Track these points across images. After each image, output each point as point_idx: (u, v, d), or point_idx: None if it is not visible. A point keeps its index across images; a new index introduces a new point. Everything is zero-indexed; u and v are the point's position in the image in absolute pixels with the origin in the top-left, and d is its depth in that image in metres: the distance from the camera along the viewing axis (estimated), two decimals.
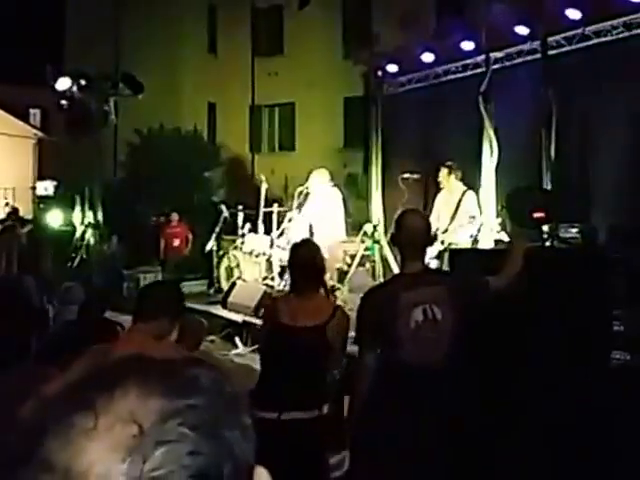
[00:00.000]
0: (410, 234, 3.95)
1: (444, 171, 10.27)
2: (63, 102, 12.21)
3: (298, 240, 5.13)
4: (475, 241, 9.62)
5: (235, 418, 0.76)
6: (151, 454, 0.67)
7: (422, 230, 4.01)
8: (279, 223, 12.27)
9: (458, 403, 3.85)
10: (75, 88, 12.03)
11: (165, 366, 0.78)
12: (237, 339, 10.28)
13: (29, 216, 20.07)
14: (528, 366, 5.04)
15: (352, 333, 4.25)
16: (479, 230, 9.65)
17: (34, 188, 25.29)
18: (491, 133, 10.06)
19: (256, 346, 8.67)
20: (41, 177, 25.97)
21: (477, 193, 10.22)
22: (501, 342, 5.11)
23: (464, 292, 3.90)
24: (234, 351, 10.00)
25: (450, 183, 10.24)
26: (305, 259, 4.35)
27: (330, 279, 10.71)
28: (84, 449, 0.67)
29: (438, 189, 10.59)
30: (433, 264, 9.33)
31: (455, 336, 3.80)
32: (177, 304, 3.67)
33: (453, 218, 10.06)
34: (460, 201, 10.07)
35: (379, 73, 13.17)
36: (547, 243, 7.69)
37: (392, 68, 13.06)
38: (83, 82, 12.06)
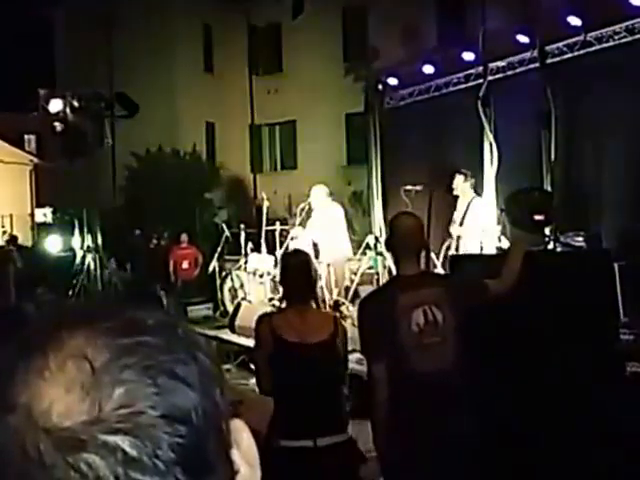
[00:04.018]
0: (403, 236, 3.90)
1: (459, 178, 10.21)
2: (57, 125, 12.06)
3: (288, 252, 5.03)
4: (481, 249, 9.53)
5: (189, 355, 0.73)
6: (110, 393, 0.66)
7: (415, 232, 3.95)
8: (282, 242, 12.09)
9: (468, 409, 3.77)
10: (68, 110, 11.89)
11: (109, 309, 0.78)
12: (253, 366, 10.01)
13: (28, 243, 20.01)
14: (530, 371, 4.89)
15: (357, 355, 4.09)
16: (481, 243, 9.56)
17: (32, 215, 25.26)
18: (491, 138, 9.96)
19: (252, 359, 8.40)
20: (39, 203, 25.96)
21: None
22: (500, 346, 4.96)
23: (462, 293, 3.84)
24: (252, 380, 9.69)
25: (465, 190, 10.22)
26: (297, 269, 4.20)
27: (337, 295, 10.57)
28: (42, 389, 0.67)
29: (452, 199, 10.48)
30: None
31: (458, 338, 3.74)
32: None
33: (462, 224, 10.10)
34: (468, 208, 10.09)
35: (380, 87, 13.08)
36: (549, 246, 7.53)
37: (393, 81, 13.00)
38: (76, 104, 11.91)
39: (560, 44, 10.41)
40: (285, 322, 4.05)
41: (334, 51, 25.25)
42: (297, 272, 4.17)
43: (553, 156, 9.30)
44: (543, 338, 4.86)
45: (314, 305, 4.27)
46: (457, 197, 10.37)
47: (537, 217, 4.48)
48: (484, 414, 4.33)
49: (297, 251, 4.78)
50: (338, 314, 8.87)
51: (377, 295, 4.22)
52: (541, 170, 9.59)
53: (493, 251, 9.14)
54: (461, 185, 10.21)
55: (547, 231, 7.19)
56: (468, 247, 9.82)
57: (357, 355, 4.31)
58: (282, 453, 3.77)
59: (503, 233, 9.18)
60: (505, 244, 8.97)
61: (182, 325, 0.77)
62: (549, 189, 9.22)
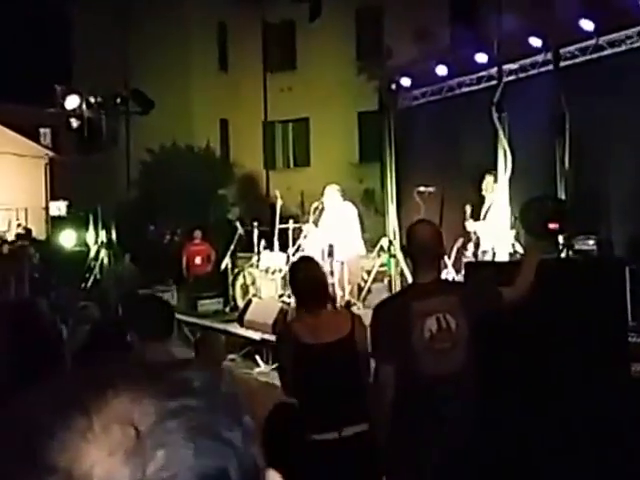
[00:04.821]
0: (421, 244, 3.94)
1: (490, 179, 10.24)
2: (73, 121, 12.14)
3: (297, 258, 5.10)
4: (493, 253, 9.57)
5: (235, 419, 0.73)
6: (152, 457, 0.66)
7: (433, 240, 3.98)
8: (295, 239, 12.17)
9: (475, 414, 3.81)
10: (84, 106, 11.98)
11: (157, 368, 0.77)
12: (258, 357, 10.20)
13: (42, 237, 20.10)
14: (544, 378, 4.94)
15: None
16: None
17: (47, 208, 25.34)
18: (505, 143, 9.98)
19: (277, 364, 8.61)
20: (53, 197, 26.02)
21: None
22: (515, 354, 5.03)
23: (477, 301, 3.88)
24: (257, 369, 9.92)
25: (494, 191, 10.25)
26: (309, 277, 4.27)
27: (350, 294, 10.66)
28: (83, 452, 0.66)
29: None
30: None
31: (471, 346, 3.78)
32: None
33: (484, 218, 10.19)
34: (489, 209, 10.17)
35: (393, 87, 13.11)
36: (562, 254, 7.59)
37: (406, 82, 13.02)
38: (92, 100, 12.01)
39: (572, 47, 10.41)
40: (303, 326, 4.17)
41: (347, 50, 25.29)
42: (308, 279, 4.24)
43: (567, 163, 9.31)
44: (553, 343, 4.92)
45: (331, 307, 4.38)
46: (482, 197, 10.44)
47: (551, 225, 4.52)
48: (492, 417, 4.41)
49: (304, 258, 4.85)
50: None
51: (392, 301, 4.28)
52: (554, 174, 9.60)
53: (506, 256, 9.19)
54: (491, 185, 10.25)
55: (560, 239, 7.24)
56: (486, 247, 9.89)
57: None
58: (313, 446, 3.95)
59: (517, 239, 9.23)
60: (519, 249, 9.03)
61: (226, 384, 0.77)
62: (562, 194, 9.24)
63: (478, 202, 10.46)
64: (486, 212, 10.13)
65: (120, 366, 0.78)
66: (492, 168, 10.27)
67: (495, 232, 9.79)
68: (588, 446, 4.73)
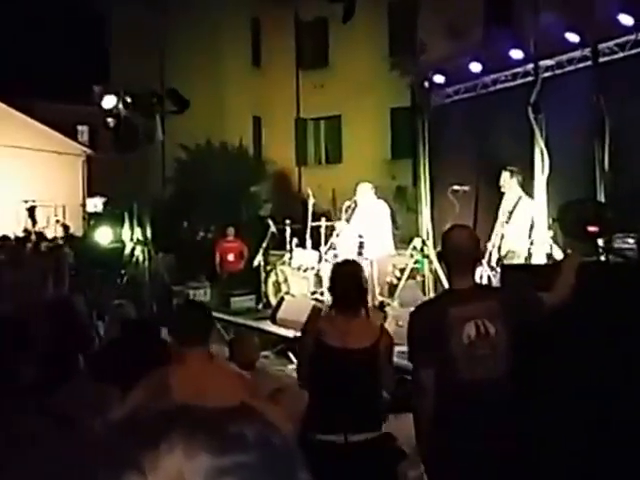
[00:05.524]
0: (457, 250, 3.90)
1: (505, 175, 10.14)
2: (110, 120, 12.27)
3: (341, 259, 5.12)
4: (529, 255, 9.43)
5: (289, 475, 0.70)
6: None
7: (469, 246, 3.94)
8: (327, 237, 12.18)
9: (514, 420, 3.80)
10: (121, 105, 12.10)
11: (211, 420, 0.74)
12: (291, 354, 10.23)
13: (79, 233, 20.34)
14: (584, 385, 4.90)
15: (403, 348, 4.19)
16: (532, 243, 9.47)
17: (84, 205, 25.64)
18: (542, 144, 9.85)
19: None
20: (91, 194, 26.32)
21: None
22: (554, 358, 4.98)
23: (516, 308, 3.84)
24: (290, 366, 9.96)
25: (511, 187, 10.13)
26: (348, 279, 4.30)
27: (380, 293, 10.63)
28: None
29: (499, 197, 10.42)
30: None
31: (510, 352, 3.75)
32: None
33: (508, 222, 10.00)
34: (515, 207, 9.99)
35: (426, 84, 13.01)
36: (602, 258, 7.49)
37: (439, 79, 12.91)
38: (129, 99, 12.12)
39: (611, 43, 10.25)
40: (330, 327, 4.20)
41: (380, 45, 25.19)
42: (347, 282, 4.26)
43: (607, 163, 9.18)
44: (593, 347, 4.87)
45: (364, 313, 4.37)
46: (504, 194, 10.30)
47: (591, 229, 4.48)
48: (531, 421, 4.38)
49: (347, 261, 4.85)
50: (383, 314, 8.97)
51: (428, 307, 4.25)
52: (593, 174, 9.46)
53: (543, 257, 9.09)
54: (508, 181, 10.13)
55: (600, 242, 7.16)
56: (512, 247, 9.78)
57: (397, 348, 4.43)
58: (316, 446, 3.94)
59: (555, 242, 9.13)
60: (556, 251, 8.94)
61: (280, 437, 0.75)
62: (602, 196, 9.11)
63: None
64: (510, 213, 9.99)
65: (173, 416, 0.76)
66: (527, 166, 10.17)
67: (523, 233, 9.68)
68: (628, 448, 4.69)
